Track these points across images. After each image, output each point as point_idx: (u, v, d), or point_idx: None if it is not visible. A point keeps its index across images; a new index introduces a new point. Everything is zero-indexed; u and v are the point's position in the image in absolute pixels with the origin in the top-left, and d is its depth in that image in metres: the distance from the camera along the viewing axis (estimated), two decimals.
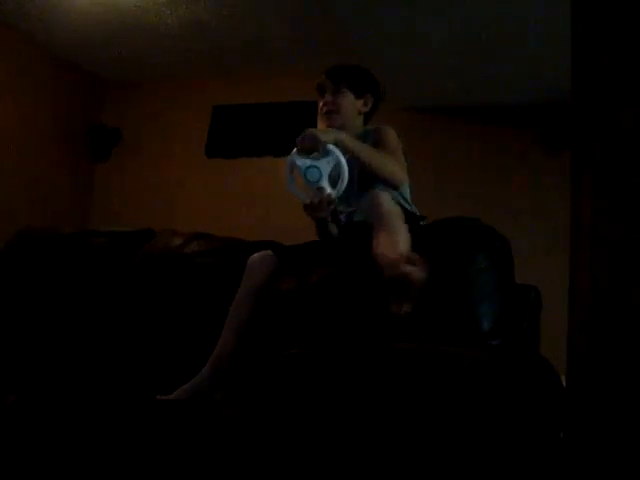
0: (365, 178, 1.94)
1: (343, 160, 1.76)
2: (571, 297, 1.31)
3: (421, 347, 1.34)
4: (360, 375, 1.24)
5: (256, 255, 1.98)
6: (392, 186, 1.92)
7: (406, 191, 2.10)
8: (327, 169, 1.76)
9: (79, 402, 1.53)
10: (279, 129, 4.79)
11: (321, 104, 2.16)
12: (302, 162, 1.77)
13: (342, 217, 2.03)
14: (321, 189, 1.75)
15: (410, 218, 1.83)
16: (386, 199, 1.72)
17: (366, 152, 1.90)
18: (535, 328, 1.81)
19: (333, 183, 1.77)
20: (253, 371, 1.52)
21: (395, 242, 1.60)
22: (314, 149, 1.79)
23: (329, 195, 1.75)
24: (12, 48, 4.56)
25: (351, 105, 2.14)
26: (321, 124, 2.28)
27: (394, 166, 1.93)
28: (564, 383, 1.33)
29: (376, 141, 2.01)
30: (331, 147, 1.77)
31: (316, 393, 1.23)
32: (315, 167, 1.76)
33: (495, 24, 3.30)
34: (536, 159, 4.28)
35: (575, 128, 1.37)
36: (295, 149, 1.82)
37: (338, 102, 2.12)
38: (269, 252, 1.98)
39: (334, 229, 2.10)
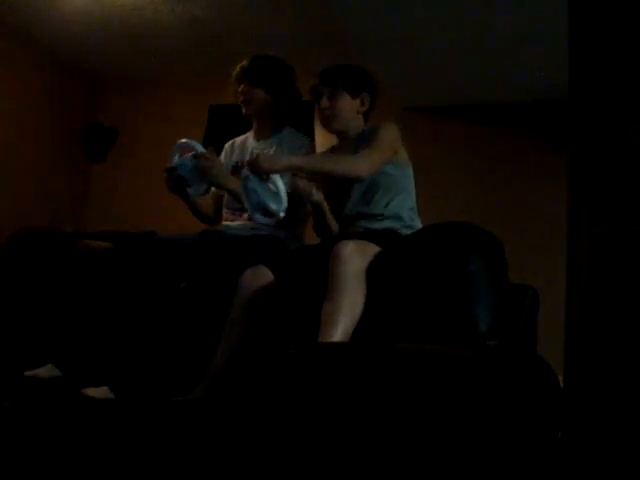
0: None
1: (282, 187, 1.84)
2: (569, 297, 1.30)
3: (419, 347, 1.34)
4: (359, 376, 1.23)
5: (248, 271, 1.94)
6: (352, 179, 1.96)
7: (410, 196, 2.08)
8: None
9: (74, 405, 1.52)
10: None
11: (319, 109, 2.11)
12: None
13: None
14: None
15: (389, 236, 1.85)
16: (348, 255, 1.70)
17: (318, 163, 1.93)
18: (532, 328, 1.81)
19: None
20: (251, 373, 1.52)
21: (338, 310, 1.64)
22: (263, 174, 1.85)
23: None
24: (7, 46, 4.54)
25: (349, 107, 2.10)
26: (320, 128, 2.27)
27: (350, 161, 1.92)
28: (562, 383, 1.33)
29: (370, 139, 1.99)
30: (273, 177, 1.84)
31: (315, 394, 1.23)
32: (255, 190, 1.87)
33: (495, 23, 3.30)
34: (536, 158, 4.28)
35: (574, 128, 1.36)
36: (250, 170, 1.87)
37: (335, 106, 2.08)
38: (262, 266, 1.94)
39: (333, 223, 2.09)
